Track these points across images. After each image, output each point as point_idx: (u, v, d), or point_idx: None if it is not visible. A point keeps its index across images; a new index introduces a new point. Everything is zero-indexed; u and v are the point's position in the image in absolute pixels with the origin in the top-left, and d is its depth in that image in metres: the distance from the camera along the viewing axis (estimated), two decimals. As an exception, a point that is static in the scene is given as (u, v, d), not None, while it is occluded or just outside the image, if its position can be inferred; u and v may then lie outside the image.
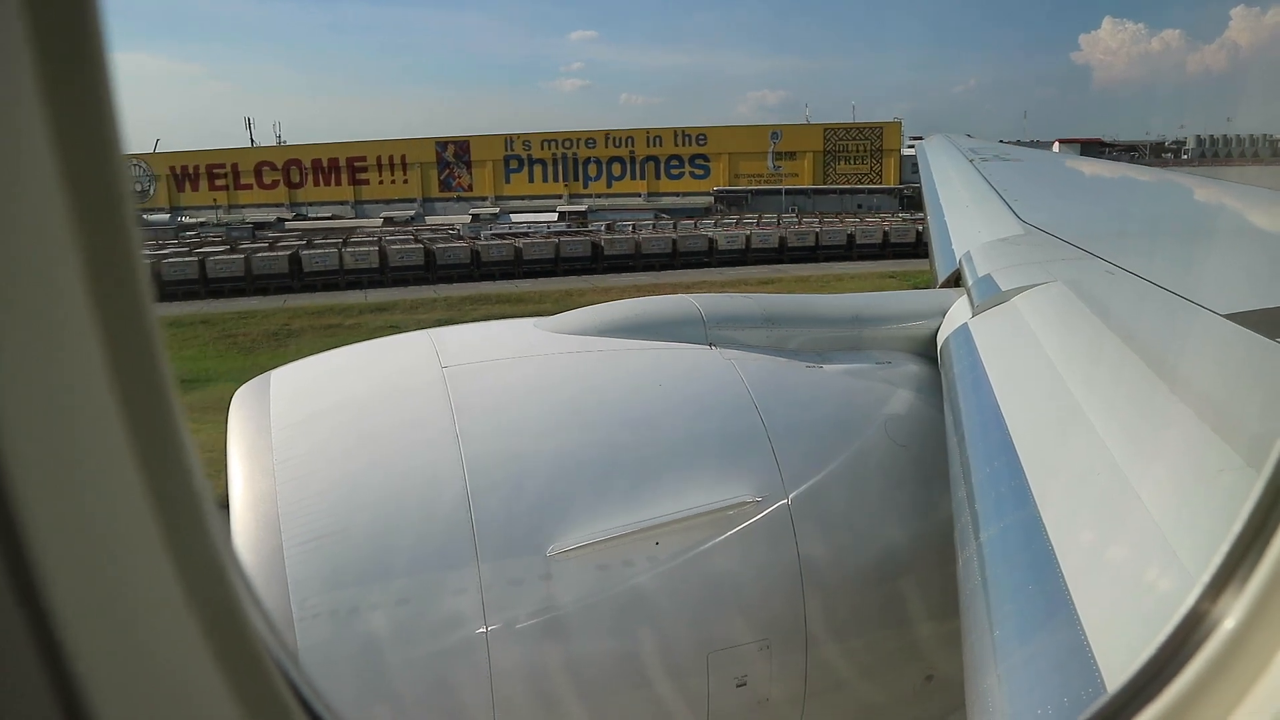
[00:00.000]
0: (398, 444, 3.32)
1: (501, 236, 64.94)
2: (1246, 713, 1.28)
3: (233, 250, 58.12)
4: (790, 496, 3.48)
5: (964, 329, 4.07)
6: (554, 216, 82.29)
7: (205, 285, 49.44)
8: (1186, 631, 1.39)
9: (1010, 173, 9.54)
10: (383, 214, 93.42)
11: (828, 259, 59.76)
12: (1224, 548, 1.40)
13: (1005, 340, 3.79)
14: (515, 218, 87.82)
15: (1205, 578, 1.40)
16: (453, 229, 76.36)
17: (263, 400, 3.48)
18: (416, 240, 62.23)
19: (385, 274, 52.01)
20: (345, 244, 59.74)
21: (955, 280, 5.25)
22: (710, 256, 59.79)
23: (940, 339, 4.28)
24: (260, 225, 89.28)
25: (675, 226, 73.56)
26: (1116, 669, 1.73)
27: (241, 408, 3.51)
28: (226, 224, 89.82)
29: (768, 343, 4.10)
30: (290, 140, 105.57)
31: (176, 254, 55.10)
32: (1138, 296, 3.96)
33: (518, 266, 54.97)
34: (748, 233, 63.98)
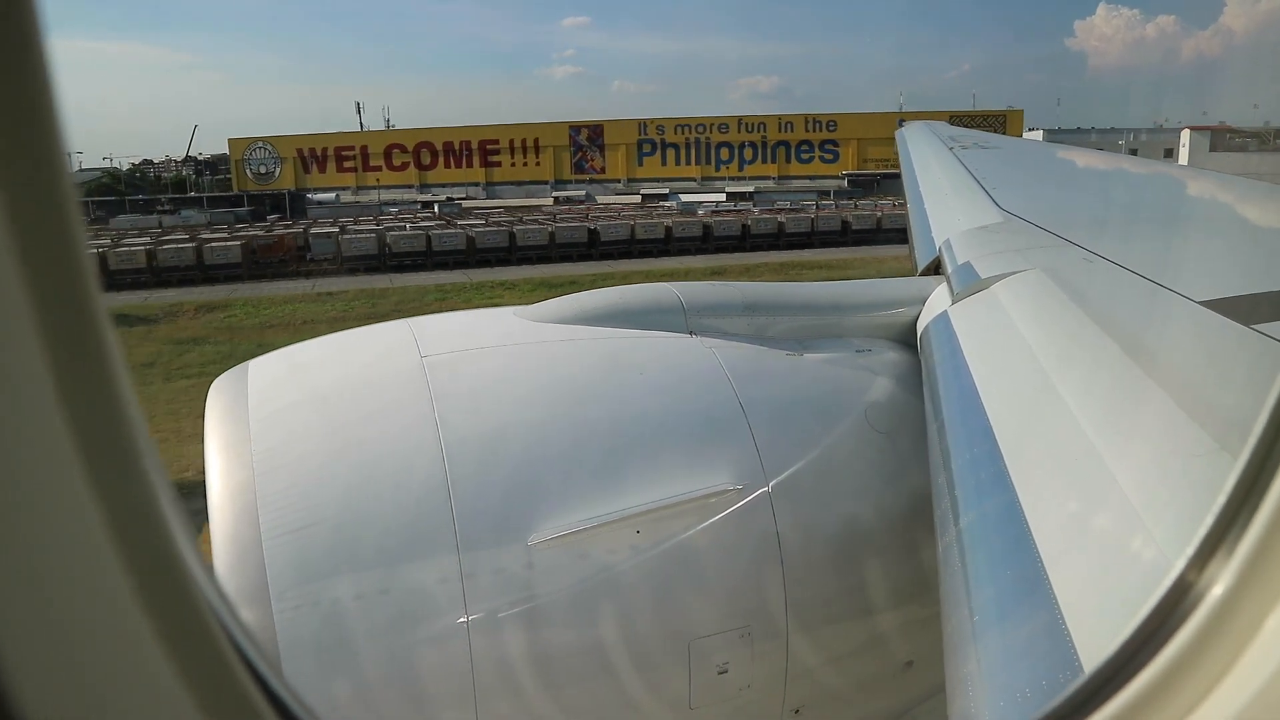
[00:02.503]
0: (377, 433, 3.30)
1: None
2: (1238, 676, 1.28)
3: (448, 226, 59.39)
4: (771, 484, 3.47)
5: (943, 316, 4.07)
6: (722, 197, 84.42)
7: (431, 258, 51.73)
8: (1176, 598, 1.39)
9: (989, 160, 9.51)
10: (553, 194, 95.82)
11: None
12: (1210, 516, 1.39)
13: (984, 327, 3.81)
14: (685, 198, 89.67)
15: (1192, 546, 1.40)
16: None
17: (240, 390, 3.44)
18: (584, 219, 64.86)
19: (513, 252, 55.20)
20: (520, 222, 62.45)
21: (935, 268, 5.27)
22: (845, 236, 61.04)
23: (920, 326, 4.29)
24: (425, 205, 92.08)
25: (816, 207, 75.03)
26: (1094, 651, 1.75)
27: (219, 398, 3.47)
28: (422, 202, 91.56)
29: (748, 331, 4.10)
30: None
31: (395, 228, 57.36)
32: (1115, 284, 4.02)
33: (669, 244, 56.49)
34: (879, 214, 63.87)
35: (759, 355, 3.94)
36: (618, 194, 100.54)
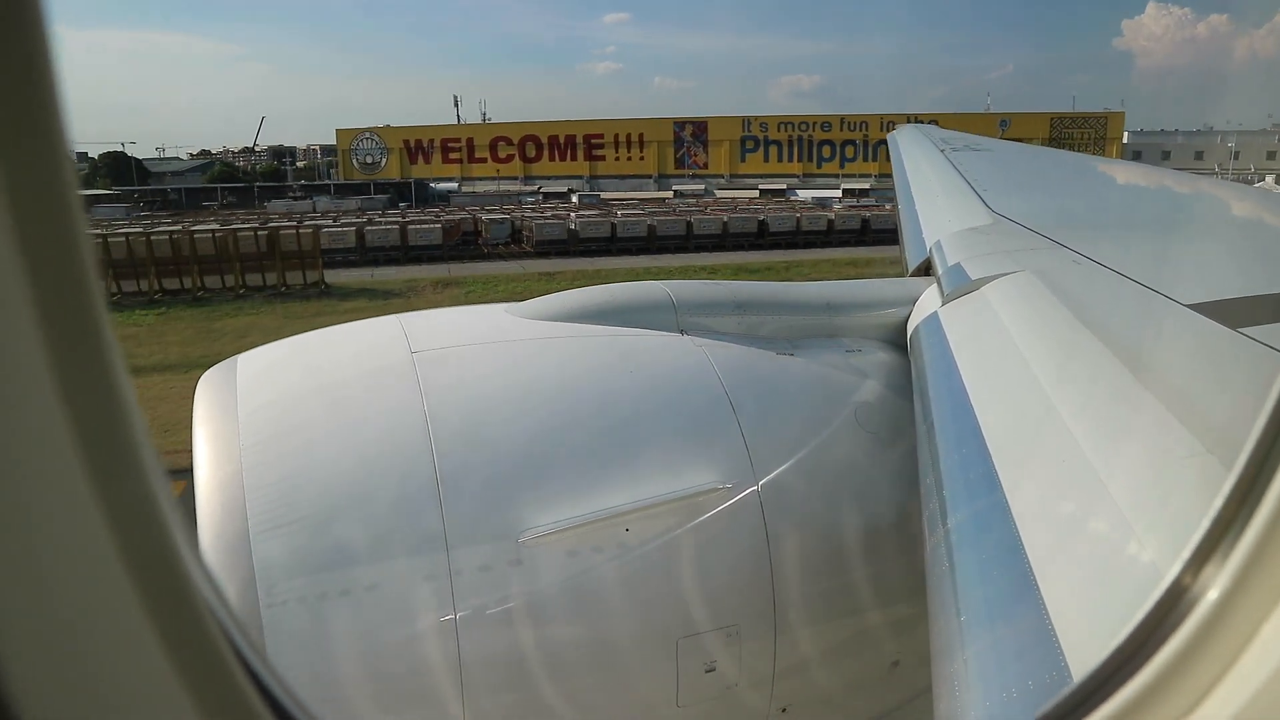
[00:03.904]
0: (366, 429, 3.18)
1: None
2: (1234, 681, 1.24)
3: (610, 214, 59.29)
4: (760, 483, 3.38)
5: (934, 317, 3.97)
6: (838, 193, 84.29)
7: (614, 244, 52.67)
8: (1171, 602, 1.34)
9: (980, 163, 9.38)
10: (674, 187, 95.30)
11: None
12: (1206, 520, 1.33)
13: (974, 328, 3.70)
14: (801, 193, 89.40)
15: (1188, 550, 1.34)
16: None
17: (229, 384, 3.33)
18: (708, 212, 64.04)
19: (690, 240, 55.15)
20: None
21: (925, 269, 5.13)
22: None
23: (910, 327, 4.16)
24: (550, 195, 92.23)
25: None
26: (1081, 652, 1.72)
27: (208, 391, 3.35)
28: (547, 193, 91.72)
29: (739, 330, 3.98)
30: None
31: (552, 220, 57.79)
32: (1104, 287, 3.90)
33: (761, 238, 57.13)
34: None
35: (749, 354, 3.81)
36: (721, 189, 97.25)
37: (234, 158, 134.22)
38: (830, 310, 4.22)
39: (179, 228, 45.83)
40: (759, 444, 3.44)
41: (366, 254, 47.64)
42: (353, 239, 47.82)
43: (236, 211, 78.55)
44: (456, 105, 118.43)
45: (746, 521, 3.35)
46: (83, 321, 0.71)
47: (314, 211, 74.20)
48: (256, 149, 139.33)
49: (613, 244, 52.95)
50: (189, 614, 0.81)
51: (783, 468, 3.45)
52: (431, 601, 2.94)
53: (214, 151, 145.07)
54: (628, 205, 73.16)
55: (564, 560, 3.09)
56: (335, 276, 42.01)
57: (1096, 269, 4.10)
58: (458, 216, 60.34)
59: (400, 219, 58.06)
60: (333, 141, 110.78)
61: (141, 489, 0.76)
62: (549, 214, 62.75)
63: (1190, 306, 3.17)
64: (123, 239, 38.41)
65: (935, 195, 7.54)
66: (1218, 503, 1.32)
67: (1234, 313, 3.01)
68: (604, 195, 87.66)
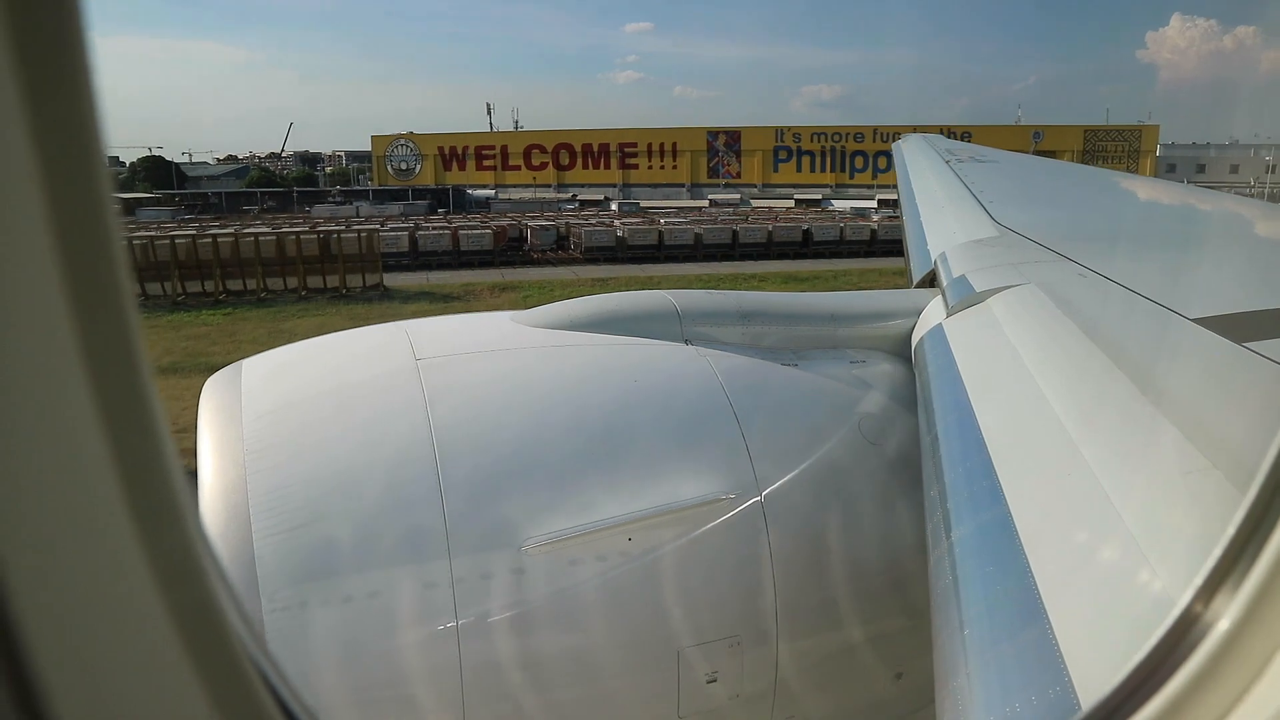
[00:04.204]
0: (370, 435, 3.11)
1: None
2: (1246, 712, 1.20)
3: (653, 223, 57.98)
4: (763, 494, 3.30)
5: (938, 329, 3.88)
6: (874, 204, 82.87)
7: (661, 251, 51.78)
8: (1180, 633, 1.29)
9: (984, 174, 9.25)
10: (709, 196, 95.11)
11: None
12: (1217, 549, 1.29)
13: (979, 341, 3.61)
14: (837, 203, 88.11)
15: (1198, 579, 1.30)
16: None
17: (234, 390, 3.26)
18: (751, 221, 63.03)
19: (735, 248, 53.85)
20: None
21: (930, 280, 5.04)
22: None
23: (915, 339, 4.05)
24: (589, 203, 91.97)
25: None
26: (1085, 668, 1.68)
27: (212, 397, 3.26)
28: (583, 200, 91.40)
29: (743, 340, 3.88)
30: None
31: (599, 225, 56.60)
32: (1109, 300, 3.79)
33: (805, 247, 55.47)
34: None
35: (753, 365, 3.73)
36: (753, 198, 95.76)
37: (259, 163, 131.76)
38: (835, 321, 4.12)
39: (232, 231, 46.36)
40: (762, 454, 3.36)
41: (419, 258, 47.79)
42: (405, 243, 48.01)
43: (279, 215, 76.40)
44: (489, 113, 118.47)
45: (749, 532, 3.26)
46: (113, 323, 0.70)
47: (358, 216, 71.94)
48: (283, 155, 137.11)
49: (659, 251, 52.17)
50: (208, 617, 0.81)
51: (786, 478, 3.37)
52: (434, 609, 2.87)
53: (240, 157, 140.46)
54: (667, 214, 71.01)
55: (566, 569, 3.02)
56: (391, 280, 41.24)
57: (1102, 282, 4.00)
58: (504, 222, 59.99)
59: (448, 224, 57.72)
60: (357, 147, 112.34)
61: (164, 490, 0.76)
62: (597, 221, 62.05)
63: (1196, 321, 3.10)
64: (188, 241, 38.61)
65: (940, 207, 7.44)
66: (1230, 530, 1.28)
67: (1241, 327, 2.96)
68: (643, 203, 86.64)
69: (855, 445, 3.58)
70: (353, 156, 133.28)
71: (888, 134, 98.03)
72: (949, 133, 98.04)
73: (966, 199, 7.51)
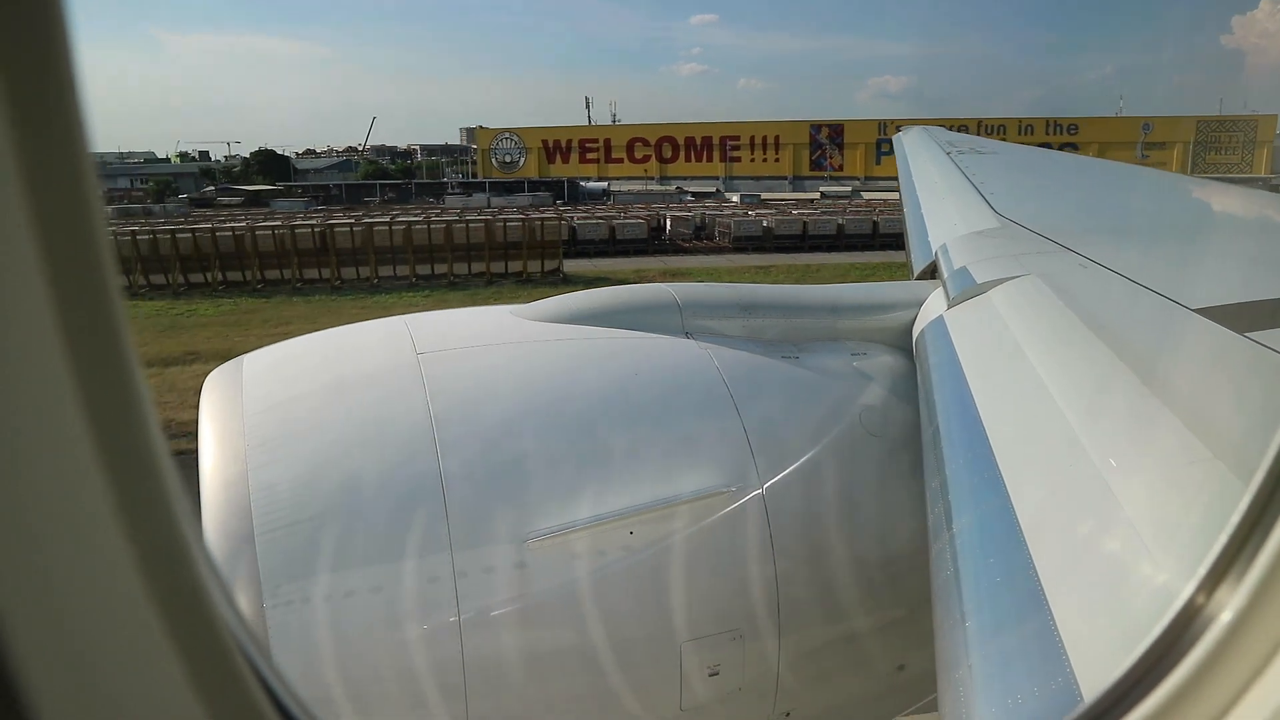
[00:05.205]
0: (371, 430, 2.92)
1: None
2: (1247, 707, 1.16)
3: (785, 215, 59.37)
4: (765, 487, 3.13)
5: (939, 321, 3.67)
6: None
7: (805, 241, 52.53)
8: (1183, 625, 1.24)
9: (985, 166, 8.78)
10: (820, 189, 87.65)
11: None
12: (1220, 540, 1.23)
13: (980, 332, 3.43)
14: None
15: (1200, 571, 1.24)
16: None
17: (235, 384, 3.09)
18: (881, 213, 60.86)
19: (875, 238, 54.27)
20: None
21: (931, 272, 4.77)
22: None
23: (916, 331, 3.81)
24: (701, 194, 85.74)
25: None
26: (1087, 660, 1.61)
27: (214, 392, 3.07)
28: (693, 192, 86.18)
29: (744, 333, 3.67)
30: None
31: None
32: (1110, 291, 3.58)
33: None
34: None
35: (754, 357, 3.54)
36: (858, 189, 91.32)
37: (337, 156, 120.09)
38: (835, 313, 3.90)
39: (424, 217, 47.16)
40: (763, 447, 3.16)
41: (577, 246, 48.35)
42: (565, 232, 47.90)
43: (405, 206, 71.72)
44: (588, 106, 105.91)
45: (751, 525, 3.08)
46: (99, 319, 0.68)
47: (489, 206, 69.49)
48: (363, 149, 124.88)
49: (803, 241, 51.78)
50: (199, 614, 0.78)
51: (787, 471, 3.18)
52: (436, 603, 2.71)
53: (319, 151, 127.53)
54: (785, 205, 67.13)
55: (568, 563, 2.86)
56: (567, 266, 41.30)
57: (1104, 273, 3.76)
58: (645, 213, 59.15)
59: (598, 215, 57.32)
60: (426, 140, 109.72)
61: (155, 486, 0.73)
62: (747, 212, 61.13)
63: (1198, 311, 2.95)
64: (385, 229, 39.62)
65: (941, 198, 7.15)
66: (1233, 521, 1.23)
67: (1243, 317, 2.85)
68: (764, 195, 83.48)
69: (856, 437, 3.37)
70: (428, 150, 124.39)
71: (993, 126, 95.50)
72: (1054, 126, 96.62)
73: (968, 190, 7.22)
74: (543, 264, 38.30)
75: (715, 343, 3.55)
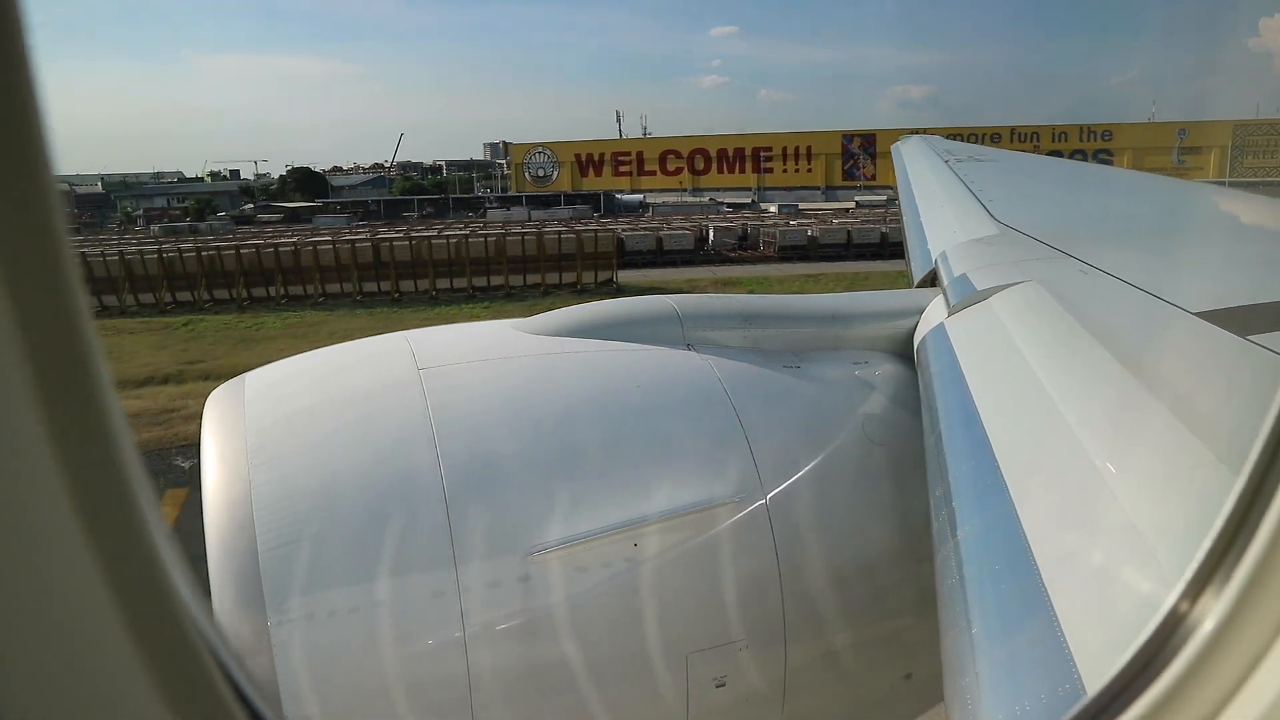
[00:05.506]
0: (374, 446, 2.88)
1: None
2: (1239, 707, 1.14)
3: (828, 225, 59.11)
4: (768, 497, 3.08)
5: (940, 328, 3.63)
6: None
7: (850, 249, 52.48)
8: (1166, 633, 1.21)
9: (984, 173, 8.59)
10: (855, 199, 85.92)
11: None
12: (1203, 547, 1.20)
13: (981, 339, 3.38)
14: None
15: (1184, 579, 1.20)
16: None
17: (238, 402, 3.06)
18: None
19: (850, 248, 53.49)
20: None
21: (931, 280, 4.69)
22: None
23: (917, 338, 3.74)
24: (737, 205, 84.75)
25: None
26: (1094, 665, 1.57)
27: (216, 409, 3.02)
28: (728, 204, 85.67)
29: (745, 343, 3.64)
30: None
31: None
32: (1112, 296, 3.52)
33: None
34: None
35: (756, 368, 3.50)
36: (892, 199, 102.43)
37: (364, 173, 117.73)
38: (836, 322, 3.84)
39: (483, 231, 47.00)
40: (766, 457, 3.12)
41: (624, 257, 47.49)
42: (613, 243, 46.49)
43: (445, 220, 71.22)
44: (619, 120, 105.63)
45: (755, 535, 3.02)
46: (67, 335, 0.67)
47: (530, 220, 68.54)
48: (390, 165, 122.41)
49: (848, 250, 51.58)
50: (169, 622, 0.76)
51: (790, 481, 3.13)
52: (440, 618, 2.66)
53: (344, 168, 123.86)
54: (823, 214, 66.28)
55: (572, 576, 2.81)
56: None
57: (1104, 278, 3.69)
58: (689, 224, 55.48)
59: (643, 226, 55.26)
60: (452, 156, 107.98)
61: (121, 492, 0.71)
62: (789, 222, 58.61)
63: (1199, 314, 2.92)
64: (444, 243, 39.68)
65: (940, 206, 7.06)
66: (1219, 522, 1.20)
67: (1243, 320, 2.83)
68: (801, 205, 77.75)
69: (859, 446, 3.32)
70: (454, 166, 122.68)
71: (1026, 133, 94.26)
72: (1088, 133, 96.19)
73: (966, 198, 7.13)
74: (595, 275, 38.50)
75: (717, 354, 3.52)
